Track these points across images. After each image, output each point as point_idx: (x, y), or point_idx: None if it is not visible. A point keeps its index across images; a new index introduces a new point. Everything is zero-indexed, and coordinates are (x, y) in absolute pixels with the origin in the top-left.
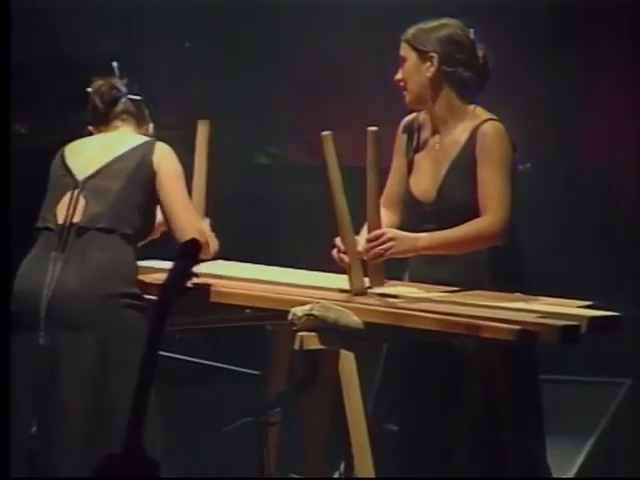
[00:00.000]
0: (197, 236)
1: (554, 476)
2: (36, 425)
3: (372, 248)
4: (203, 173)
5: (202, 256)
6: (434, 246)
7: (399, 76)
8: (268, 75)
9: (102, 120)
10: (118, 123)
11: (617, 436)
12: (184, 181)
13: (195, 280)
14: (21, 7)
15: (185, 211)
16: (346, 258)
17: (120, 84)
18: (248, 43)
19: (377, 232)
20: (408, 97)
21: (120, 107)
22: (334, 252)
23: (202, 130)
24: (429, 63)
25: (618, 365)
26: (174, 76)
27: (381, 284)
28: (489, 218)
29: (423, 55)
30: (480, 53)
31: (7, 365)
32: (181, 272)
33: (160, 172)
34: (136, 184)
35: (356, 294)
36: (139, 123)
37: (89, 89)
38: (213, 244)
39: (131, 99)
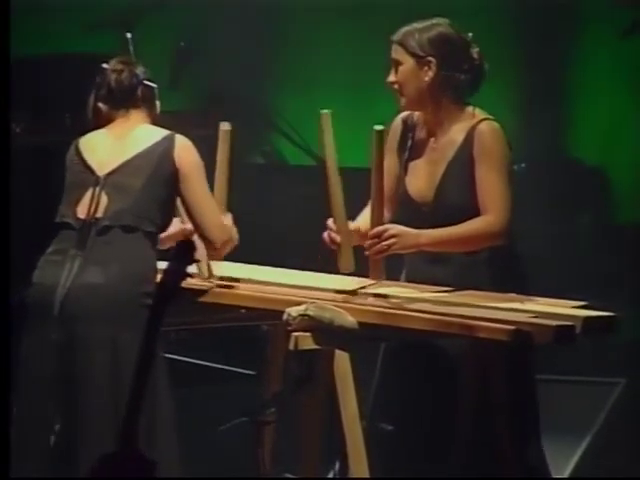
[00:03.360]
0: (221, 231)
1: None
2: (60, 422)
3: (374, 244)
4: (225, 172)
5: (225, 250)
6: (436, 243)
7: (392, 79)
8: (265, 73)
9: (116, 105)
10: (132, 110)
11: (612, 435)
12: (204, 176)
13: (190, 280)
14: (21, 7)
15: (209, 208)
16: (337, 238)
17: (139, 70)
18: (245, 42)
19: (380, 228)
20: (404, 102)
21: (136, 95)
22: (325, 234)
23: (224, 131)
24: (427, 68)
25: (613, 365)
26: (172, 75)
27: (381, 280)
28: (491, 218)
29: (420, 60)
30: (475, 54)
31: (7, 365)
32: (176, 273)
33: (182, 168)
34: (158, 181)
35: (343, 273)
36: (150, 108)
37: (105, 65)
38: (234, 237)
39: (146, 85)
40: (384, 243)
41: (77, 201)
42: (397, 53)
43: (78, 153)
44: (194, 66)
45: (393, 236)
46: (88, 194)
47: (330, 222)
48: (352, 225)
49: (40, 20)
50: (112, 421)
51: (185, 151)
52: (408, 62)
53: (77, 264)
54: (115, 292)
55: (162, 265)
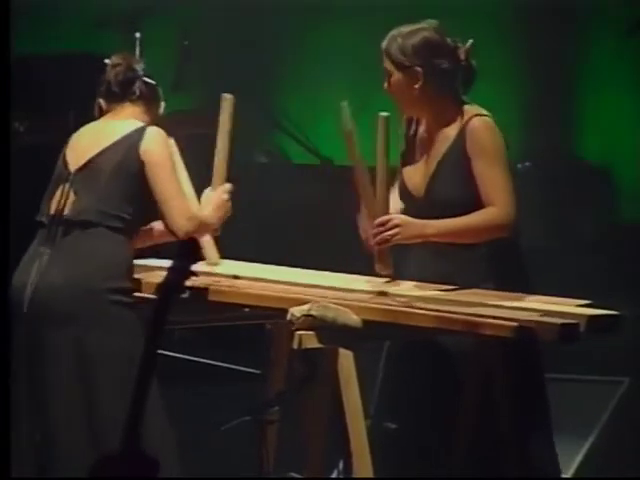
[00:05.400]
0: (188, 224)
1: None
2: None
3: (379, 233)
4: (226, 142)
5: (200, 235)
6: (442, 234)
7: (386, 87)
8: (268, 73)
9: (113, 98)
10: (127, 104)
11: (616, 434)
12: (172, 166)
13: (194, 279)
14: (21, 6)
15: (175, 198)
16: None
17: (137, 65)
18: (248, 41)
19: (384, 218)
20: (401, 108)
21: (133, 89)
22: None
23: (226, 100)
24: (415, 77)
25: (616, 364)
26: (173, 74)
27: (388, 270)
28: (496, 209)
29: (407, 71)
30: (462, 54)
31: (7, 365)
32: (180, 271)
33: (147, 161)
34: (124, 175)
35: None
36: (149, 106)
37: (107, 61)
38: (227, 209)
39: (145, 82)
40: (388, 232)
41: (50, 198)
42: (386, 63)
43: (65, 148)
44: (197, 66)
45: (397, 225)
46: (59, 191)
47: (363, 223)
48: None
49: (43, 20)
50: (82, 421)
51: (152, 143)
52: (396, 74)
53: (44, 262)
54: (79, 290)
55: (167, 263)
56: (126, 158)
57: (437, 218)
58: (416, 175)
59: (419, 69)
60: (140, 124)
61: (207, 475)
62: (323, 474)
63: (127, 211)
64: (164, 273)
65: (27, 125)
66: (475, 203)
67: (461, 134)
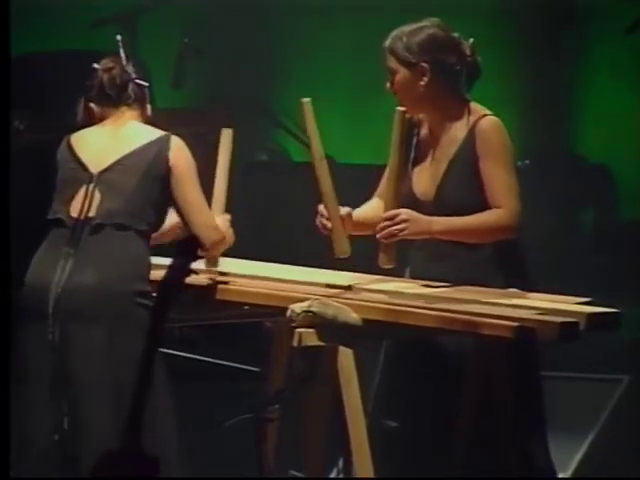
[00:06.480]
0: (212, 232)
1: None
2: (66, 422)
3: (386, 227)
4: (224, 177)
5: (216, 251)
6: (448, 231)
7: (389, 87)
8: (269, 71)
9: (108, 103)
10: (124, 108)
11: (616, 433)
12: (197, 176)
13: (194, 277)
14: (21, 5)
15: (201, 208)
16: (328, 224)
17: (129, 68)
18: (249, 39)
19: (392, 212)
20: (404, 108)
21: (128, 92)
22: (317, 220)
23: (225, 137)
24: (421, 74)
25: (616, 362)
26: (173, 72)
27: (391, 263)
28: (502, 211)
29: (413, 67)
30: (466, 50)
31: (7, 365)
32: (180, 269)
33: (175, 169)
34: (152, 180)
35: (340, 257)
36: (143, 108)
37: (96, 65)
38: (230, 238)
39: (138, 84)
40: (395, 227)
41: (70, 198)
42: (390, 61)
43: (70, 149)
44: (197, 64)
45: (404, 221)
46: (81, 192)
47: (321, 208)
48: (344, 210)
49: (42, 18)
50: (111, 420)
51: (180, 152)
52: (402, 71)
53: (70, 263)
54: (109, 291)
55: (166, 261)
56: (155, 163)
57: None
58: (422, 179)
59: (426, 65)
60: (162, 132)
61: (207, 474)
62: (323, 473)
63: (151, 215)
64: (164, 271)
65: (27, 124)
66: (485, 205)
67: (470, 134)
